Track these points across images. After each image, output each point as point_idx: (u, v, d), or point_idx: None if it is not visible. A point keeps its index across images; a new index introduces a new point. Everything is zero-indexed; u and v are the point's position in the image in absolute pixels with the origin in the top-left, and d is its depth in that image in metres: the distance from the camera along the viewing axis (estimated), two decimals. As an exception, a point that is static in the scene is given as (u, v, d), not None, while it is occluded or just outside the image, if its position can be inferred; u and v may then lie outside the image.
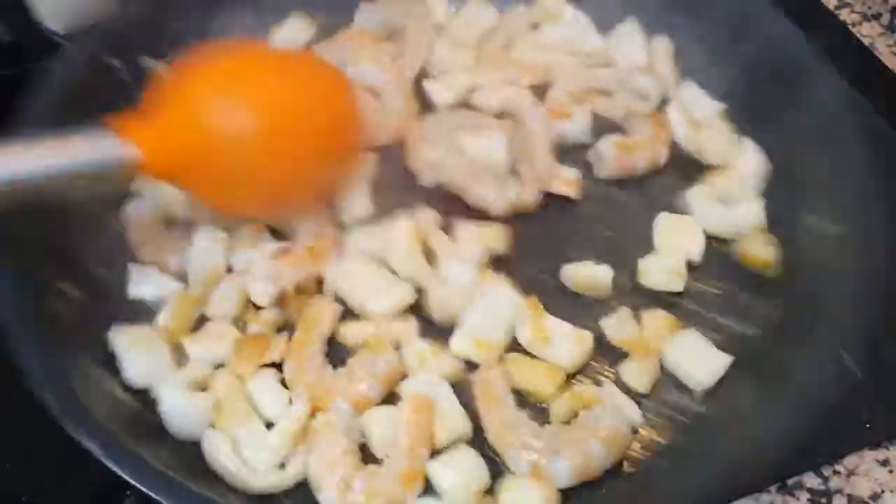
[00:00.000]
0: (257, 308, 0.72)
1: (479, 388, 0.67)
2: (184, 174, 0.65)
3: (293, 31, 0.90)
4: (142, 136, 0.62)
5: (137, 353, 0.67)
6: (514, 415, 0.66)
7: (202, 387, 0.67)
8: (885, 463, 0.70)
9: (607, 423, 0.64)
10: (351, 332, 0.71)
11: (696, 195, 0.79)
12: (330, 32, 0.90)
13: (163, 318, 0.70)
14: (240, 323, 0.71)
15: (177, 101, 0.65)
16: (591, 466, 0.63)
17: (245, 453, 0.64)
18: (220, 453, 0.63)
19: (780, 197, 0.78)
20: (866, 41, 0.99)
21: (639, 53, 0.88)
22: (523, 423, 0.65)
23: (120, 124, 0.62)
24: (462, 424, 0.66)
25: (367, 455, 0.65)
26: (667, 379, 0.69)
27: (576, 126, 0.83)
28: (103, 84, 0.79)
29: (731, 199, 0.79)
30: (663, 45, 0.88)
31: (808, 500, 0.69)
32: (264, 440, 0.64)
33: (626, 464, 0.65)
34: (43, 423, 0.58)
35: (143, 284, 0.72)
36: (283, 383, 0.68)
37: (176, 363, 0.69)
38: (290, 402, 0.67)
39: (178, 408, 0.65)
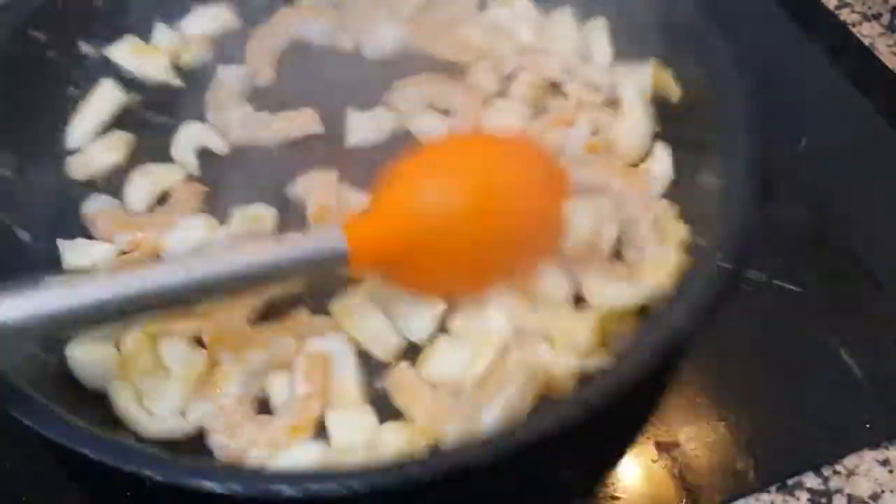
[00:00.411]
0: None
1: (394, 388, 0.68)
2: (390, 266, 0.67)
3: (205, 19, 0.91)
4: (354, 232, 0.63)
5: None
6: (436, 396, 0.67)
7: (114, 342, 0.69)
8: (885, 463, 0.70)
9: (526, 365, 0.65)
10: None
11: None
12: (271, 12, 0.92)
13: None
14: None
15: (385, 196, 0.67)
16: (516, 410, 0.64)
17: (148, 402, 0.66)
18: (123, 401, 0.66)
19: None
20: (866, 41, 0.99)
21: (573, 42, 0.87)
22: (444, 399, 0.67)
23: (341, 223, 0.64)
24: (355, 391, 0.67)
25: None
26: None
27: (578, 134, 0.80)
28: (28, 59, 0.81)
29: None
30: (599, 29, 0.87)
31: (808, 500, 0.69)
32: (165, 388, 0.67)
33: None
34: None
35: (77, 255, 0.75)
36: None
37: None
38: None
39: (86, 357, 0.67)
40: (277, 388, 0.68)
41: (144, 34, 0.90)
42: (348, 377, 0.68)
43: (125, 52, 0.88)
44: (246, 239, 0.73)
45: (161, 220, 0.78)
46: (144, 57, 0.88)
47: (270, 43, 0.90)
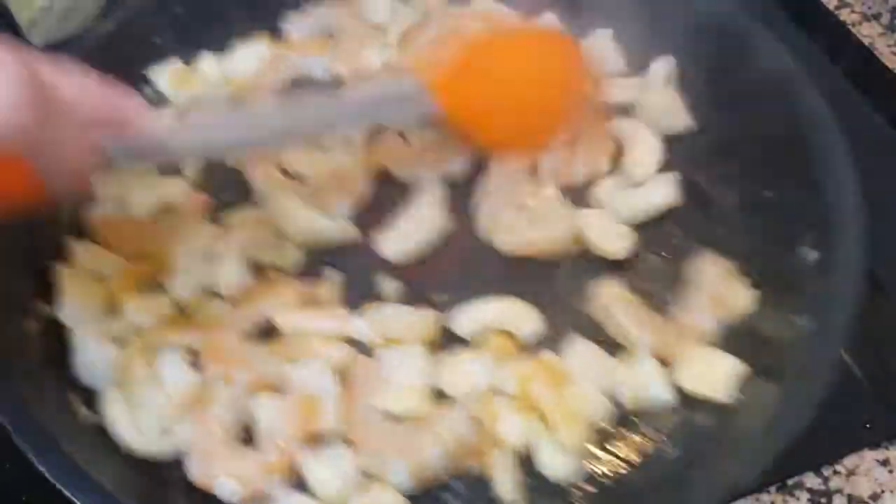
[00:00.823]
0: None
1: (353, 381, 0.68)
2: (466, 118, 0.76)
3: (252, 52, 0.90)
4: (441, 85, 0.73)
5: (72, 293, 0.70)
6: (373, 417, 0.66)
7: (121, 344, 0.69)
8: (885, 463, 0.70)
9: (453, 431, 0.64)
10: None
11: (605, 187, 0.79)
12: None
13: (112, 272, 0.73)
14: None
15: (464, 59, 0.76)
16: (427, 469, 0.63)
17: (137, 416, 0.66)
18: (114, 411, 0.66)
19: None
20: (866, 41, 0.99)
21: None
22: (379, 424, 0.66)
23: (422, 76, 0.74)
24: (336, 426, 0.66)
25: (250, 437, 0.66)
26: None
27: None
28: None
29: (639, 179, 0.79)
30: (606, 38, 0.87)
31: (808, 500, 0.69)
32: (155, 404, 0.66)
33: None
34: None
35: None
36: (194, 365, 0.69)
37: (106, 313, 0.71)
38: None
39: (90, 353, 0.68)
40: (262, 415, 0.66)
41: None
42: (331, 417, 0.66)
43: (166, 75, 0.87)
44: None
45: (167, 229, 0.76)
46: (183, 85, 0.87)
47: (271, 85, 0.88)
